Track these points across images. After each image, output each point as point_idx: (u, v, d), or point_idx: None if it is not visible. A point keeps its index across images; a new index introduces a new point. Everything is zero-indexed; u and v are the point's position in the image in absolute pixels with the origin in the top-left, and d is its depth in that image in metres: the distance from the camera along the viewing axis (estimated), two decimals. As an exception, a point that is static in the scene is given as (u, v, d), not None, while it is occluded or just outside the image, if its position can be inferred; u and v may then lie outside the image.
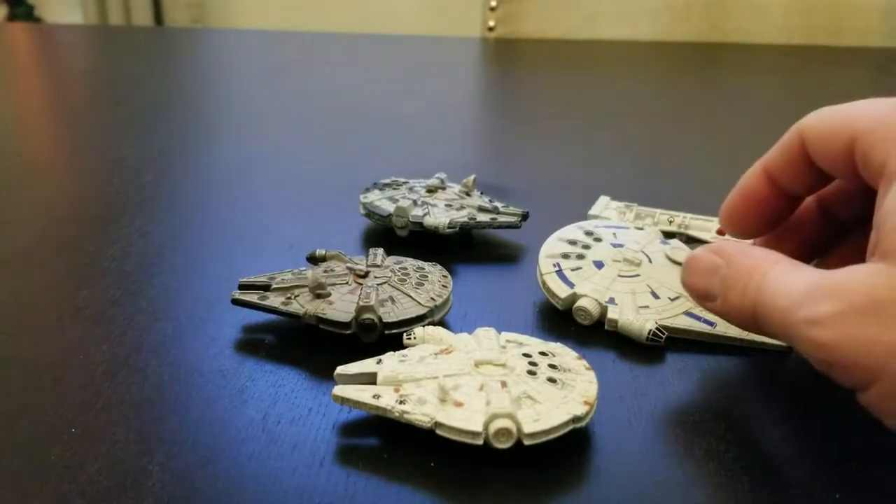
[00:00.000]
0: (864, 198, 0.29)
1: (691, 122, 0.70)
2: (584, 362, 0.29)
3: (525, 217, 0.41)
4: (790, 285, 0.26)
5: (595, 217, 0.42)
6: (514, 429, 0.25)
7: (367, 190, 0.44)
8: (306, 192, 0.47)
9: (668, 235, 0.40)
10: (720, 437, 0.27)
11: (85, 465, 0.25)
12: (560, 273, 0.35)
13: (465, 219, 0.40)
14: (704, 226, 0.40)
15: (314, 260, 0.37)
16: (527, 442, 0.25)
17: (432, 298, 0.33)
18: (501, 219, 0.41)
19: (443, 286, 0.34)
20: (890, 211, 0.25)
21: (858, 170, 0.28)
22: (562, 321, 0.34)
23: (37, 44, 1.01)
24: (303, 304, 0.32)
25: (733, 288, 0.28)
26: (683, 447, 0.27)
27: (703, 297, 0.29)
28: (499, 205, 0.42)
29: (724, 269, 0.28)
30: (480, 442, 0.25)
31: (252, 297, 0.33)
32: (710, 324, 0.33)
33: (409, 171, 0.54)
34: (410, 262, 0.36)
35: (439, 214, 0.41)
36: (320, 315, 0.32)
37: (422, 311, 0.32)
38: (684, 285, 0.30)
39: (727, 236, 0.34)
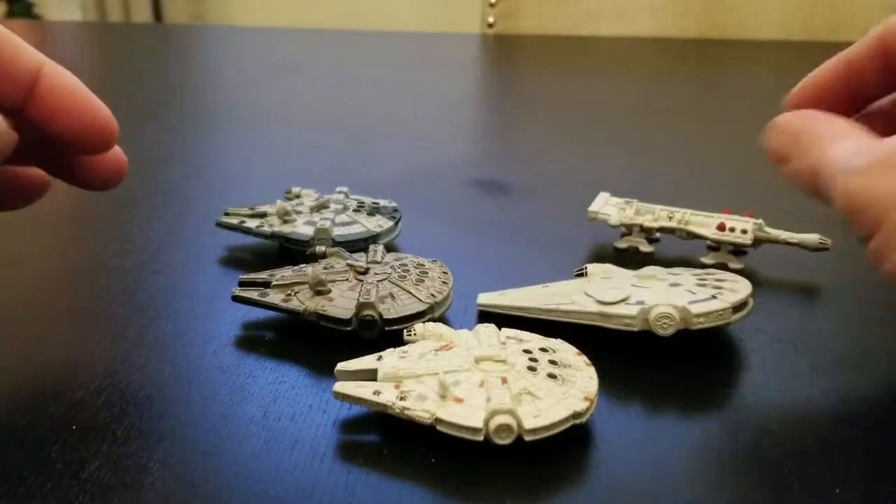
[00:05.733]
0: None
1: (691, 118, 0.70)
2: (585, 358, 0.29)
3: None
4: (846, 150, 0.27)
5: (595, 214, 0.42)
6: (514, 425, 0.25)
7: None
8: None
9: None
10: (720, 433, 0.27)
11: (86, 462, 0.25)
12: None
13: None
14: (705, 221, 0.40)
15: (314, 257, 0.37)
16: (527, 438, 0.25)
17: (432, 295, 0.33)
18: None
19: (443, 282, 0.34)
20: None
21: None
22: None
23: (35, 41, 1.01)
24: (303, 301, 0.32)
25: (802, 155, 0.29)
26: (683, 443, 0.27)
27: (778, 158, 0.30)
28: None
29: (801, 135, 0.29)
30: (481, 438, 0.25)
31: (252, 294, 0.33)
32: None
33: (408, 168, 0.54)
34: (410, 259, 0.36)
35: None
36: (320, 312, 0.32)
37: (422, 307, 0.32)
38: (766, 143, 0.31)
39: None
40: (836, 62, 0.32)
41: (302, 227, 0.39)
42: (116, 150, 0.31)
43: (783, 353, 0.32)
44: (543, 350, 0.29)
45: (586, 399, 0.27)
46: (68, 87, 0.29)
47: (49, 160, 0.31)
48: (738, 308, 0.32)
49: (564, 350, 0.30)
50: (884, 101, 0.32)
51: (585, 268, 0.36)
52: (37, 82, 0.28)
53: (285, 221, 0.40)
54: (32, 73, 0.28)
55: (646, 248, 0.41)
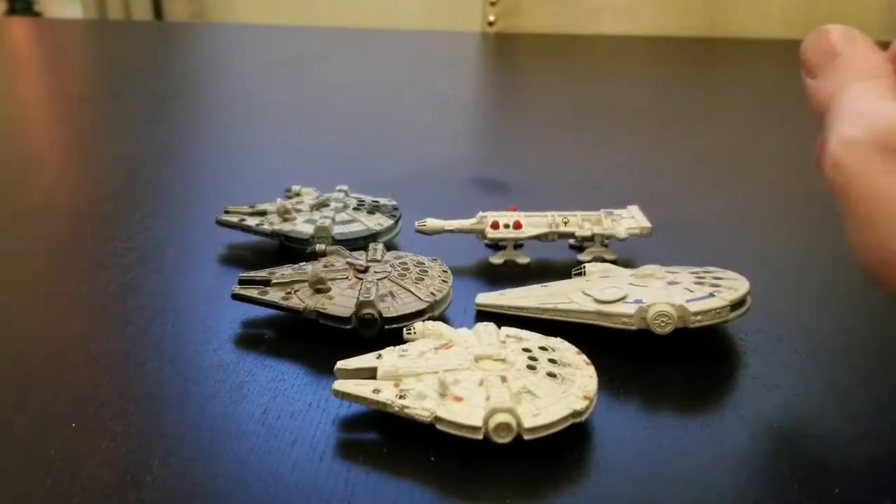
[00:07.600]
0: None
1: (691, 116, 0.70)
2: (584, 357, 0.29)
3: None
4: (854, 104, 0.26)
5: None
6: (513, 423, 0.25)
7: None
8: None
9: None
10: (719, 432, 0.27)
11: (85, 460, 0.25)
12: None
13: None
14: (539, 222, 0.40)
15: (314, 255, 0.37)
16: (526, 436, 0.25)
17: (432, 293, 0.33)
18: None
19: (443, 281, 0.34)
20: None
21: None
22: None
23: (36, 38, 1.01)
24: (303, 299, 0.32)
25: (828, 78, 0.28)
26: (682, 442, 0.27)
27: (809, 70, 0.29)
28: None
29: (838, 60, 0.28)
30: (480, 436, 0.25)
31: (252, 292, 0.33)
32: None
33: (408, 167, 0.54)
34: (410, 258, 0.36)
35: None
36: (320, 310, 0.32)
37: (422, 305, 0.32)
38: (802, 48, 0.30)
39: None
40: None
41: (302, 226, 0.39)
42: None
43: (782, 352, 0.32)
44: (543, 349, 0.29)
45: (585, 398, 0.27)
46: None
47: None
48: (735, 306, 0.32)
49: (564, 349, 0.30)
50: None
51: (584, 267, 0.36)
52: None
53: (285, 219, 0.40)
54: None
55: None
